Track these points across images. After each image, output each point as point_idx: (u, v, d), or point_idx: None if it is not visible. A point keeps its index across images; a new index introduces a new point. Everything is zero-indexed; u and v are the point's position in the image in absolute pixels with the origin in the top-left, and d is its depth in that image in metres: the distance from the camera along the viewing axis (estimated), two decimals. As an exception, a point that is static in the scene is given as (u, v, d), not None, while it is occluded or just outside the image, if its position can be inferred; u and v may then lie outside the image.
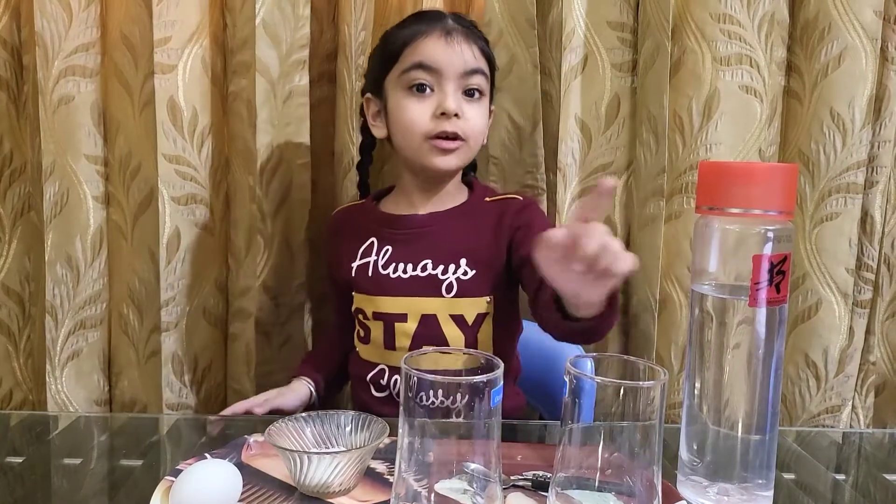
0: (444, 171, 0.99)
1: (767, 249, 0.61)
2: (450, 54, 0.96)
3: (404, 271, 1.00)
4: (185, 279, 1.20)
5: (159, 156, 1.15)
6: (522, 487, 0.70)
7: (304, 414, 0.73)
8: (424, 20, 0.99)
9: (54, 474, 0.75)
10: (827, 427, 1.24)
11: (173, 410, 1.20)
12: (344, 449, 0.71)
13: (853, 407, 1.27)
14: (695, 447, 0.67)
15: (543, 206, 1.22)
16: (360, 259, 1.02)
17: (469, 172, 1.12)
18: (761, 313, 0.63)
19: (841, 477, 0.81)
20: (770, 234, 0.61)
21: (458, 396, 0.55)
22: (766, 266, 0.61)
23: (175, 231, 1.17)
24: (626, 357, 0.61)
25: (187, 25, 1.15)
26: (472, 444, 0.56)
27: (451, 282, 0.99)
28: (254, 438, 0.76)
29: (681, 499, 0.65)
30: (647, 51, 1.19)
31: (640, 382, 0.56)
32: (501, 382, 0.56)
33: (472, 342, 0.99)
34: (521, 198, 1.05)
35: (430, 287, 0.99)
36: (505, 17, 1.19)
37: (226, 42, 1.18)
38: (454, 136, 0.96)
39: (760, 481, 0.67)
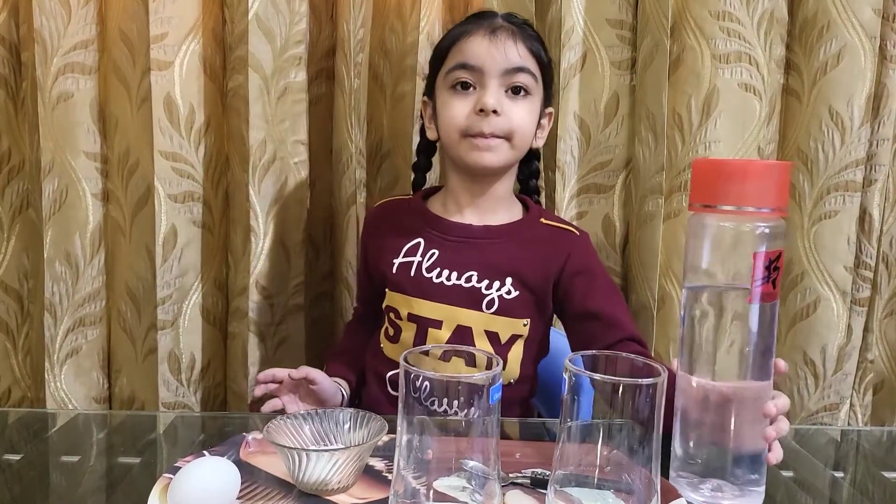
0: (483, 167, 0.96)
1: (764, 247, 0.61)
2: (492, 52, 0.93)
3: (448, 278, 0.97)
4: (183, 277, 1.19)
5: (156, 153, 1.15)
6: (521, 485, 0.70)
7: (302, 411, 0.73)
8: (473, 20, 0.98)
9: (52, 472, 0.75)
10: (825, 425, 1.24)
11: (170, 409, 1.20)
12: (342, 446, 0.71)
13: (851, 405, 1.27)
14: (689, 444, 0.67)
15: (541, 204, 1.22)
16: (404, 257, 1.00)
17: (532, 180, 1.10)
18: (756, 309, 0.63)
19: (839, 474, 0.81)
20: (766, 232, 0.61)
21: (458, 394, 0.55)
22: (763, 263, 0.61)
23: (171, 229, 1.17)
24: (624, 354, 0.61)
25: (184, 21, 1.15)
26: (471, 441, 0.56)
27: (493, 298, 0.97)
28: (252, 436, 0.76)
29: (679, 496, 0.65)
30: (646, 48, 1.19)
31: (639, 380, 0.56)
32: (500, 381, 0.56)
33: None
34: (577, 232, 1.03)
35: (471, 299, 0.97)
36: (504, 15, 1.18)
37: (224, 38, 1.18)
38: (491, 135, 0.93)
39: (753, 477, 0.67)
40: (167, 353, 1.20)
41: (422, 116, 1.05)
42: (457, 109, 0.95)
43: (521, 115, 0.95)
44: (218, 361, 1.24)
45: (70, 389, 1.21)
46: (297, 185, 1.20)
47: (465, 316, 0.96)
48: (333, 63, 1.21)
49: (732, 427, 0.64)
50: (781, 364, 0.70)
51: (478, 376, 0.55)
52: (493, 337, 0.97)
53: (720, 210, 0.62)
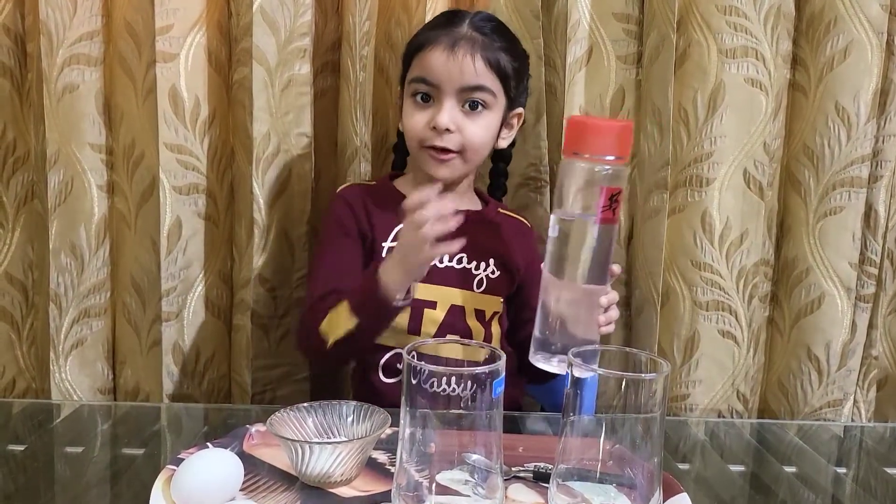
0: (438, 179, 1.00)
1: (608, 183, 0.77)
2: (450, 68, 0.96)
3: (440, 261, 1.01)
4: (187, 269, 1.19)
5: (160, 145, 1.15)
6: (524, 479, 0.71)
7: (305, 404, 0.73)
8: (441, 25, 1.01)
9: (56, 463, 0.75)
10: (828, 421, 1.24)
11: (174, 401, 1.20)
12: (345, 439, 0.71)
13: (855, 401, 1.27)
14: (545, 329, 0.81)
15: (546, 201, 1.23)
16: (392, 242, 1.02)
17: (500, 178, 1.17)
18: (597, 229, 0.79)
19: (842, 470, 0.81)
20: (610, 172, 0.77)
21: (460, 386, 0.55)
22: (606, 195, 0.77)
23: (176, 221, 1.17)
24: (627, 349, 0.61)
25: (189, 13, 1.14)
26: (474, 435, 0.56)
27: (481, 278, 1.04)
28: (255, 428, 0.77)
29: (681, 491, 0.65)
30: (652, 43, 1.18)
31: (643, 374, 0.56)
32: (503, 374, 0.56)
33: (488, 336, 1.04)
34: (528, 224, 1.14)
35: (462, 280, 1.02)
36: (509, 8, 1.18)
37: (230, 30, 1.18)
38: (445, 150, 0.98)
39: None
40: (171, 345, 1.20)
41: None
42: (415, 120, 1.00)
43: (474, 132, 0.99)
44: (222, 353, 1.24)
45: (75, 381, 1.21)
46: (300, 177, 1.20)
47: (458, 295, 1.02)
48: (339, 56, 1.21)
49: (578, 316, 0.81)
50: (615, 268, 0.89)
51: (481, 369, 0.55)
52: (479, 315, 1.04)
53: (582, 157, 0.78)
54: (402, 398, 0.56)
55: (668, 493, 0.64)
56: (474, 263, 1.03)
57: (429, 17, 1.17)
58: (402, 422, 0.56)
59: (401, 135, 1.12)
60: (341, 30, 1.20)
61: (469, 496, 0.59)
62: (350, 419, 0.73)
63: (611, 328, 0.91)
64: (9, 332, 1.24)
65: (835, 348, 1.21)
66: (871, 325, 1.25)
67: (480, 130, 1.00)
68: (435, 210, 0.86)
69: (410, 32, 1.19)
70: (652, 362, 0.59)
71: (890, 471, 0.81)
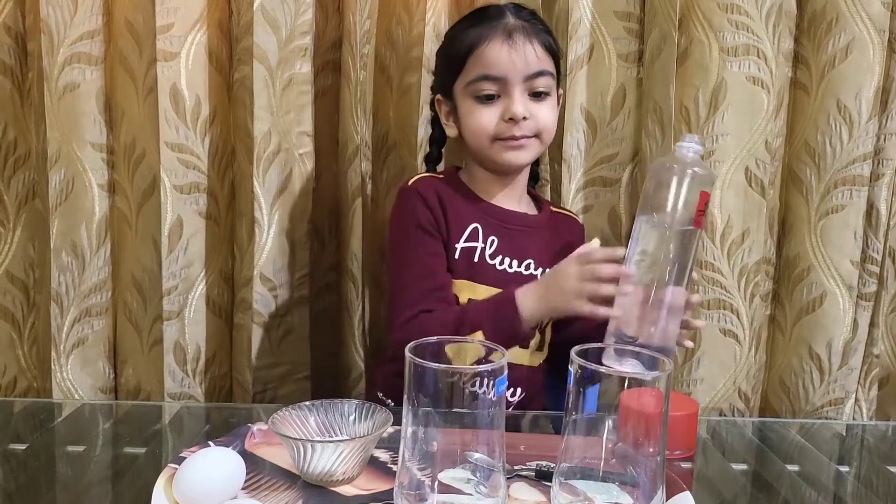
0: (517, 166, 1.03)
1: (708, 187, 0.83)
2: (514, 59, 0.97)
3: (510, 265, 1.01)
4: (188, 268, 1.19)
5: (161, 144, 1.14)
6: (526, 477, 0.70)
7: (307, 403, 0.73)
8: (485, 20, 1.00)
9: (57, 462, 0.75)
10: (830, 419, 1.24)
11: (175, 400, 1.20)
12: (347, 438, 0.71)
13: (856, 400, 1.27)
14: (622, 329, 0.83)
15: (547, 196, 1.23)
16: (465, 242, 1.01)
17: (535, 166, 1.17)
18: (695, 232, 0.82)
19: (844, 469, 0.81)
20: (709, 175, 0.85)
21: (463, 385, 0.55)
22: (703, 199, 0.82)
23: (177, 220, 1.17)
24: (630, 348, 0.61)
25: (190, 12, 1.14)
26: (476, 433, 0.56)
27: None
28: (257, 427, 0.77)
29: (684, 489, 0.65)
30: (653, 41, 1.18)
31: (646, 373, 0.56)
32: (505, 372, 0.56)
33: (542, 342, 1.04)
34: (578, 220, 1.17)
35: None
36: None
37: (231, 29, 1.18)
38: (522, 137, 0.99)
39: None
40: (173, 344, 1.20)
41: (433, 108, 1.10)
42: (485, 118, 0.99)
43: (546, 115, 1.00)
44: (223, 352, 1.24)
45: (76, 380, 1.21)
46: (302, 176, 1.20)
47: None
48: (339, 54, 1.21)
49: (660, 318, 0.82)
50: (694, 275, 0.88)
51: (483, 367, 0.54)
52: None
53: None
54: (405, 396, 0.56)
55: (671, 491, 0.64)
56: (540, 270, 1.02)
57: (429, 16, 1.17)
58: (404, 420, 0.56)
59: (435, 141, 1.14)
60: (342, 28, 1.20)
61: (471, 495, 0.58)
62: (352, 418, 0.73)
63: (689, 343, 0.93)
64: (10, 332, 1.24)
65: (836, 347, 1.21)
66: (872, 324, 1.25)
67: (550, 112, 1.01)
68: (613, 270, 0.85)
69: (411, 31, 1.19)
70: (654, 360, 0.59)
71: (893, 469, 0.80)
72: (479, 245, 1.00)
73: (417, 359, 0.54)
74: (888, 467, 0.81)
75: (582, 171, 1.23)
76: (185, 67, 1.15)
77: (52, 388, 1.20)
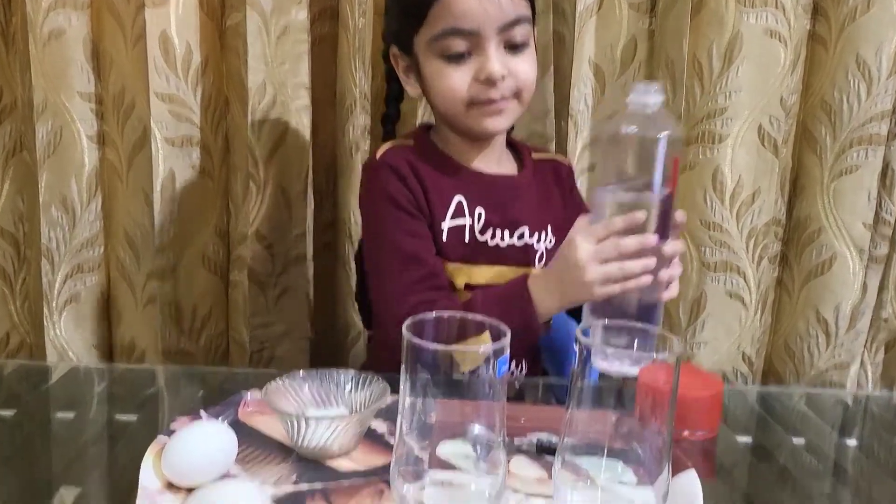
0: (495, 132, 0.90)
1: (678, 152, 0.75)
2: (486, 6, 0.82)
3: (502, 238, 0.90)
4: (182, 224, 1.16)
5: (151, 94, 1.10)
6: (526, 451, 0.69)
7: (301, 372, 0.70)
8: None
9: (47, 429, 0.74)
10: (834, 385, 1.23)
11: (170, 359, 1.18)
12: (343, 409, 0.69)
13: (862, 363, 1.25)
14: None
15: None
16: (452, 220, 0.89)
17: None
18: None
19: (849, 440, 0.79)
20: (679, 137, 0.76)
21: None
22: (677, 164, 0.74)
23: (170, 174, 1.14)
24: (640, 325, 0.59)
25: (180, -46, 1.09)
26: (477, 406, 0.54)
27: (542, 252, 0.93)
28: (251, 395, 0.74)
29: (689, 467, 0.63)
30: (667, -10, 1.13)
31: (655, 354, 0.53)
32: (508, 352, 0.53)
33: None
34: (565, 162, 1.02)
35: (525, 257, 0.92)
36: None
37: (223, -27, 1.12)
38: (501, 99, 0.86)
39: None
40: (167, 301, 1.17)
41: (387, 61, 0.96)
42: (457, 81, 0.85)
43: (526, 70, 0.87)
44: (220, 310, 1.21)
45: (70, 337, 1.19)
46: (298, 130, 1.15)
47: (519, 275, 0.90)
48: (337, 1, 1.15)
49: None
50: (679, 214, 0.80)
51: (485, 348, 0.52)
52: None
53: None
54: (402, 367, 0.53)
55: (676, 468, 0.62)
56: (536, 236, 0.92)
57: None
58: (401, 388, 0.54)
59: (394, 99, 1.03)
60: (340, -28, 1.14)
61: (470, 472, 0.57)
62: (348, 387, 0.71)
63: (674, 290, 0.79)
64: (2, 287, 1.22)
65: (844, 310, 1.19)
66: (881, 288, 1.22)
67: (530, 67, 0.88)
68: (636, 243, 0.74)
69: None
70: (662, 339, 0.57)
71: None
72: (468, 221, 0.89)
73: (416, 338, 0.52)
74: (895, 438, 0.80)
75: (589, 128, 1.19)
76: (174, 13, 1.10)
77: (45, 344, 1.18)
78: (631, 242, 0.73)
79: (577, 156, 1.18)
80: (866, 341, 1.24)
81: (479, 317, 0.57)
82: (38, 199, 1.14)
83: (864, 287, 1.20)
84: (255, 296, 1.17)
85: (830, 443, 0.79)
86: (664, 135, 0.70)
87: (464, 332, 0.58)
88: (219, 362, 1.22)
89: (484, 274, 0.90)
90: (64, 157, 1.15)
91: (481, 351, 0.52)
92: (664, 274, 0.76)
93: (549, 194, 0.96)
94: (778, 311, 1.25)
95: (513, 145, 0.99)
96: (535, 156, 0.99)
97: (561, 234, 0.93)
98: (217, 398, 0.76)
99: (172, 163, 1.14)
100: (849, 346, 1.21)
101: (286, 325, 1.18)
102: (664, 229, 0.75)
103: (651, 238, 0.73)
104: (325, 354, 1.21)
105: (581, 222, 0.81)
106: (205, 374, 0.90)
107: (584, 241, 0.77)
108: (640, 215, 0.73)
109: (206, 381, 0.88)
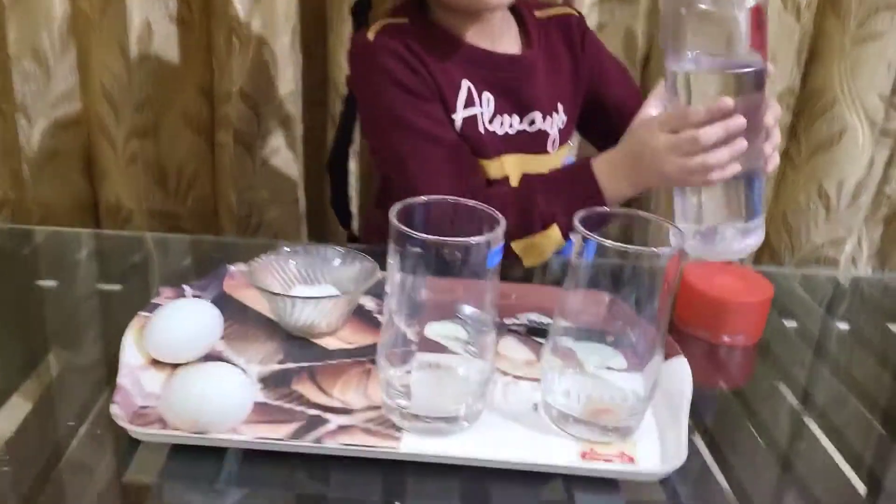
0: (497, 5, 0.80)
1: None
2: None
3: (510, 126, 0.84)
4: (162, 80, 1.10)
5: (122, -67, 1.00)
6: (516, 332, 0.68)
7: (287, 247, 0.68)
8: None
9: (26, 298, 0.72)
10: (828, 260, 1.22)
11: (157, 220, 1.16)
12: (331, 287, 0.67)
13: (859, 239, 1.24)
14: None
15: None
16: (465, 110, 0.81)
17: None
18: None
19: (842, 324, 0.79)
20: None
21: (454, 255, 0.50)
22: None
23: (145, 23, 1.06)
24: (643, 214, 0.56)
25: None
26: (468, 285, 0.52)
27: (554, 136, 0.86)
28: (236, 267, 0.72)
29: (679, 353, 0.63)
30: None
31: (655, 250, 0.51)
32: (501, 243, 0.50)
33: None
34: (574, 13, 0.91)
35: (537, 143, 0.86)
36: None
37: None
38: None
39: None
40: (151, 161, 1.13)
41: None
42: None
43: None
44: (205, 172, 1.17)
45: (53, 195, 1.16)
46: (284, -22, 1.06)
47: (535, 163, 0.85)
48: None
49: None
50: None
51: (476, 239, 0.49)
52: None
53: None
54: (391, 244, 0.51)
55: (667, 354, 0.62)
56: (548, 120, 0.85)
57: None
58: (389, 262, 0.52)
59: None
60: None
61: (459, 354, 0.56)
62: (336, 262, 0.69)
63: (776, 160, 0.74)
64: (-24, 143, 1.17)
65: (848, 185, 1.17)
66: (889, 163, 1.19)
67: None
68: (720, 131, 0.65)
69: None
70: (661, 227, 0.54)
71: (893, 326, 0.79)
72: (478, 110, 0.81)
73: (404, 227, 0.49)
74: (888, 325, 0.79)
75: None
76: None
77: (28, 201, 1.15)
78: (713, 132, 0.65)
79: (585, 14, 1.09)
80: (866, 215, 1.22)
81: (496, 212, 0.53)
82: (7, 51, 1.07)
83: (872, 161, 1.17)
84: (241, 157, 1.12)
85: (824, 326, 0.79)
86: None
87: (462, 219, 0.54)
88: (208, 226, 1.20)
89: (496, 167, 0.83)
90: (31, 5, 1.06)
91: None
92: (768, 147, 0.71)
93: (558, 64, 0.88)
94: (780, 183, 1.22)
95: (515, 10, 0.89)
96: (538, 14, 0.89)
97: (571, 108, 0.88)
98: (204, 268, 0.74)
99: (148, 12, 1.06)
100: (847, 222, 1.19)
101: (275, 189, 1.15)
102: (756, 108, 0.67)
103: (738, 121, 0.65)
104: (317, 219, 1.19)
105: (657, 95, 0.74)
106: (192, 243, 0.88)
107: (662, 129, 0.69)
108: (726, 102, 0.65)
109: (193, 249, 0.86)
